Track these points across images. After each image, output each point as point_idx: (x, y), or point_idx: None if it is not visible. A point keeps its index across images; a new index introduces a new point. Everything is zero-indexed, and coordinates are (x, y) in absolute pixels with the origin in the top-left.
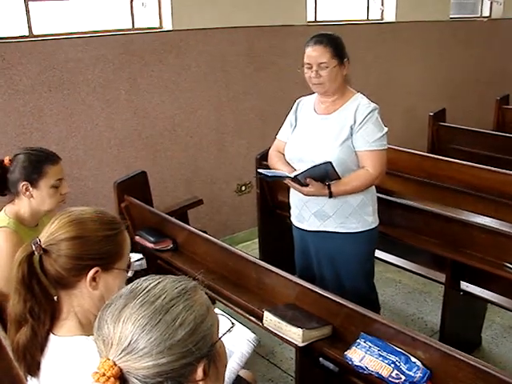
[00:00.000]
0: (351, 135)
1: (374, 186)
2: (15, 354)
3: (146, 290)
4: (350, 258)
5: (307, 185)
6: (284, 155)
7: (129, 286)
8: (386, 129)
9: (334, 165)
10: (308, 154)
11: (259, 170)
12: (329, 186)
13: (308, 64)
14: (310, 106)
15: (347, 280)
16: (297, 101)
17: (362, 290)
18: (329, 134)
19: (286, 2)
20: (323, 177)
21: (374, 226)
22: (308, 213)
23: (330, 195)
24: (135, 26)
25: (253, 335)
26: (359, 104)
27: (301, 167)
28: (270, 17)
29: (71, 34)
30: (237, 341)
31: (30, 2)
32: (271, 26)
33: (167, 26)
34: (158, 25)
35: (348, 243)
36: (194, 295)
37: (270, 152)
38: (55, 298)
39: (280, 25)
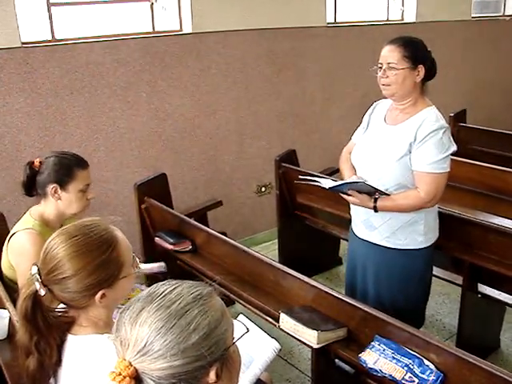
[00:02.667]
0: (409, 152)
1: (435, 206)
2: (26, 378)
3: (163, 294)
4: (392, 273)
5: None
6: None
7: (147, 290)
8: (451, 149)
9: (389, 181)
10: (367, 163)
11: (300, 177)
12: (375, 200)
13: (380, 63)
14: (382, 112)
15: (386, 294)
16: (374, 103)
17: (401, 305)
18: (389, 147)
19: (306, 4)
20: (371, 192)
21: (423, 245)
22: (358, 219)
23: (375, 209)
24: (155, 30)
25: (277, 344)
26: (425, 120)
27: (359, 174)
28: (289, 18)
29: (92, 38)
30: (260, 348)
31: (52, 7)
32: (290, 28)
33: (187, 28)
34: (178, 28)
35: (393, 259)
36: (209, 301)
37: (342, 151)
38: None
39: (299, 26)
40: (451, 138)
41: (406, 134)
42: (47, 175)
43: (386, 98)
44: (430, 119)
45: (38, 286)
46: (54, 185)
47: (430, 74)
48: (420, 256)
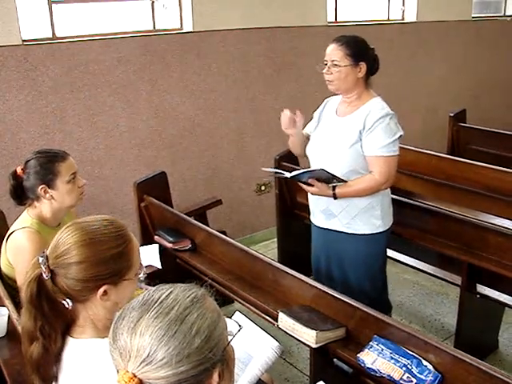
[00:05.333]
0: (360, 140)
1: (388, 191)
2: (29, 366)
3: (159, 301)
4: (356, 259)
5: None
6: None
7: (140, 297)
8: (399, 134)
9: (342, 167)
10: (321, 154)
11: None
12: (333, 188)
13: (325, 61)
14: (333, 107)
15: (354, 280)
16: (326, 99)
17: (368, 291)
18: (340, 136)
19: (307, 3)
20: (329, 178)
21: (381, 230)
22: (317, 209)
23: (334, 196)
24: (156, 28)
25: (277, 344)
26: (372, 109)
27: (315, 165)
28: (290, 17)
29: (93, 35)
30: (260, 348)
31: (53, 5)
32: (291, 27)
33: (188, 27)
34: (178, 26)
35: (353, 244)
36: (204, 302)
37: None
38: (70, 305)
39: (300, 25)
40: (398, 124)
41: (356, 123)
42: (32, 179)
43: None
44: (377, 107)
45: (43, 268)
46: (42, 186)
47: (373, 69)
48: (379, 240)
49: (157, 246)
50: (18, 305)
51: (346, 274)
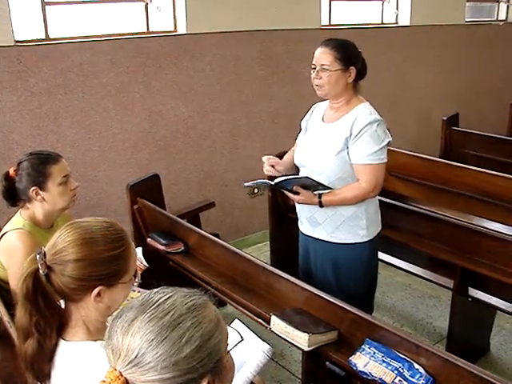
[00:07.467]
0: (347, 147)
1: (375, 199)
2: (24, 363)
3: (156, 304)
4: (340, 267)
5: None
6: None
7: (140, 297)
8: (386, 141)
9: (330, 176)
10: (308, 161)
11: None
12: (319, 196)
13: (313, 65)
14: (320, 113)
15: (337, 286)
16: (313, 106)
17: (352, 296)
18: (327, 143)
19: (300, 6)
20: (315, 186)
21: (365, 239)
22: (303, 217)
23: (320, 205)
24: (150, 30)
25: (268, 346)
26: (358, 115)
27: (303, 173)
28: (283, 20)
29: (87, 37)
30: (251, 351)
31: (46, 6)
32: (285, 30)
33: (181, 29)
34: (172, 28)
35: (338, 253)
36: (203, 311)
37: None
38: (62, 306)
39: (294, 28)
40: (386, 130)
41: (342, 130)
42: (24, 180)
43: (322, 99)
44: (364, 114)
45: (40, 264)
46: (33, 188)
47: (361, 74)
48: (363, 249)
49: (140, 249)
50: (9, 306)
51: (330, 280)
